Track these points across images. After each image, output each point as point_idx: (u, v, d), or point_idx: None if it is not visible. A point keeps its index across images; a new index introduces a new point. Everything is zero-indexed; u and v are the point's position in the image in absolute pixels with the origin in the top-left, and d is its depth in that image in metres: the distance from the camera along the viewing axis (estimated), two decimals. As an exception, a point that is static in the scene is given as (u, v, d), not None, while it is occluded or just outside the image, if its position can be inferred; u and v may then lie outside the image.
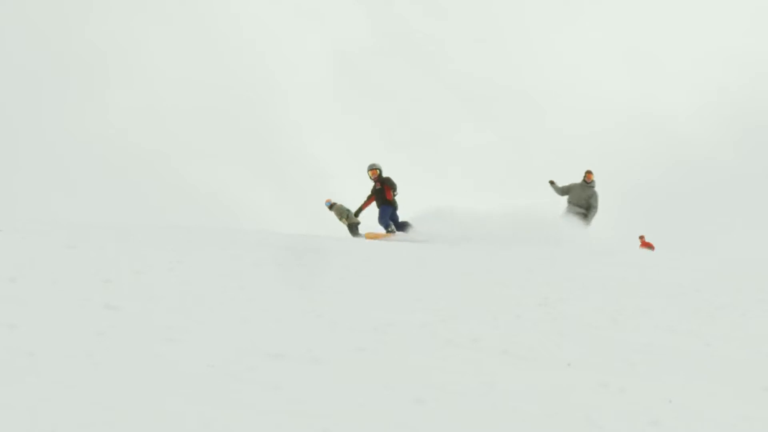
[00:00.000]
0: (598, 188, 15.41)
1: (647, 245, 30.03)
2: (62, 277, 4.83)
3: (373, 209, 16.70)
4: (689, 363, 4.37)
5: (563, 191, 15.42)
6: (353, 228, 19.83)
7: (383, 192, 16.30)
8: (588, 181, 15.13)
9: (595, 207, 15.21)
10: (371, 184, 16.76)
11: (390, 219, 16.46)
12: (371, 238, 16.06)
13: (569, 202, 15.26)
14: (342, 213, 20.10)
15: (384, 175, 16.71)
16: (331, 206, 20.19)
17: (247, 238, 9.14)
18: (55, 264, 5.43)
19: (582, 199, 15.16)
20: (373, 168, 16.69)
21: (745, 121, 41.79)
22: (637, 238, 30.20)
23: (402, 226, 16.38)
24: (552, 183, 15.66)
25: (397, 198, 16.67)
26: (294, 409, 2.84)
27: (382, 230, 16.55)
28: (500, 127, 44.56)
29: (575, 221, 15.01)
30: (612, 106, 44.55)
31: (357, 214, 16.80)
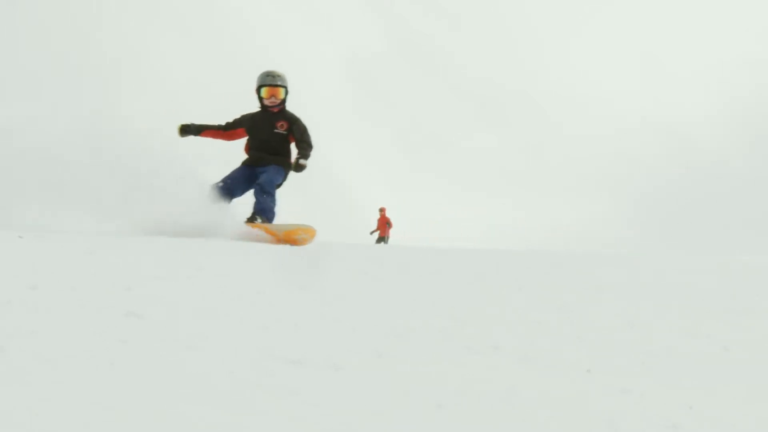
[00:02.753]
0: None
1: (385, 220, 29.83)
2: (82, 283, 4.84)
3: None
4: (708, 367, 4.36)
5: None
6: None
7: (283, 141, 8.98)
8: None
9: None
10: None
11: (272, 204, 8.83)
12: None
13: None
14: None
15: (291, 111, 9.07)
16: None
17: (264, 244, 9.14)
18: (76, 270, 5.44)
19: None
20: (275, 84, 9.03)
21: (759, 127, 41.70)
22: (378, 210, 29.91)
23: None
24: None
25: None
26: (311, 415, 2.84)
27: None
28: (514, 133, 44.57)
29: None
30: (625, 110, 44.51)
31: (190, 133, 9.14)
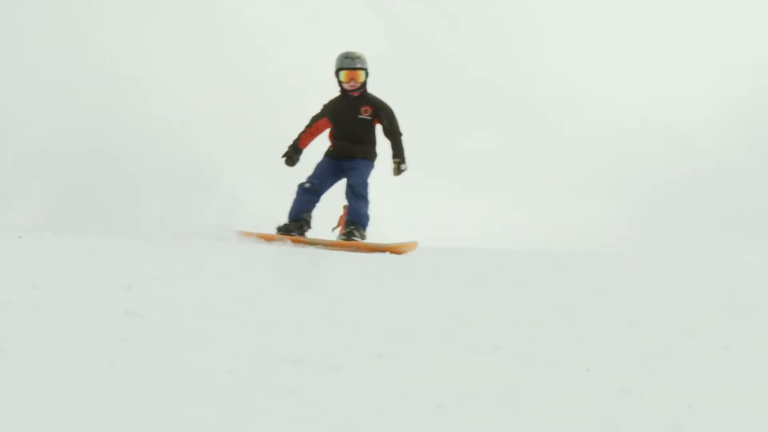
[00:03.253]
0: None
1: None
2: (82, 283, 4.84)
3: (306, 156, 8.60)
4: (708, 367, 4.36)
5: None
6: None
7: (368, 127, 8.43)
8: None
9: None
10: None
11: (365, 208, 8.35)
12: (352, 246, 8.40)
13: None
14: None
15: (373, 94, 8.47)
16: None
17: (265, 244, 9.13)
18: (76, 270, 5.44)
19: None
20: (353, 67, 8.46)
21: (759, 127, 41.69)
22: (342, 207, 29.69)
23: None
24: None
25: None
26: (311, 415, 2.84)
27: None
28: (514, 133, 44.54)
29: None
30: (625, 110, 44.47)
31: (293, 156, 8.41)
